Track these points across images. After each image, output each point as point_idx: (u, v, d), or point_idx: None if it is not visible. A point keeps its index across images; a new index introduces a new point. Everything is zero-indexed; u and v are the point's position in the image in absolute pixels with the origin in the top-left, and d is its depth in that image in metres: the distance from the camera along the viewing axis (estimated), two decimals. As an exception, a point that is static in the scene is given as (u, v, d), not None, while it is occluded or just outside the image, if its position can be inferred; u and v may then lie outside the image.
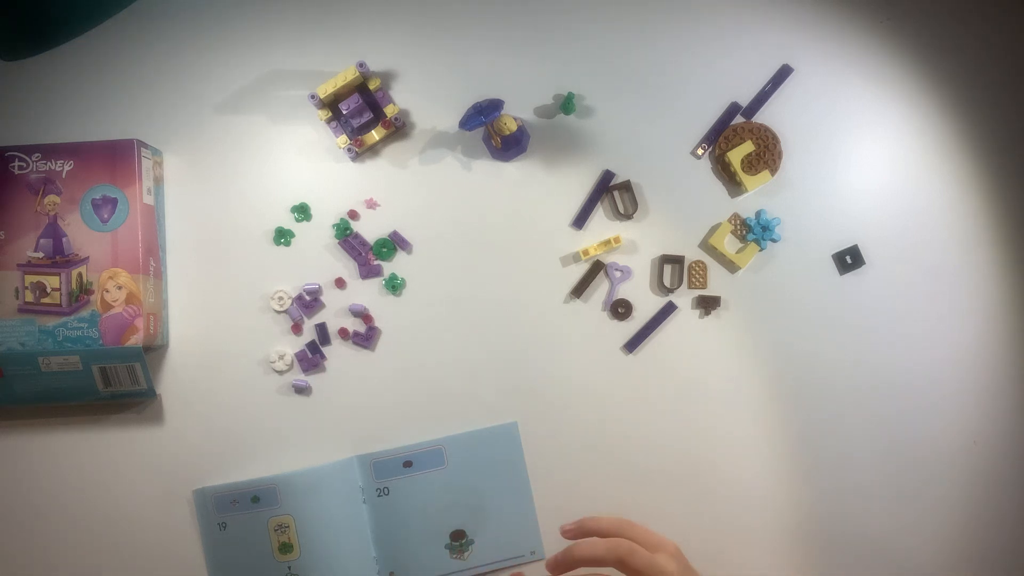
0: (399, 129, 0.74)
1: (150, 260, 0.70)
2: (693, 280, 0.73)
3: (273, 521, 0.71)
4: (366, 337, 0.73)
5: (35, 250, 0.69)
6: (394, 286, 0.73)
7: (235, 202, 0.74)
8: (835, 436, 0.72)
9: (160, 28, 0.75)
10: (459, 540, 0.72)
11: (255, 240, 0.74)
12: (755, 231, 0.73)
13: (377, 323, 0.73)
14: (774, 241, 0.73)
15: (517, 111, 0.74)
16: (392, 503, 0.72)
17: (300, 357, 0.73)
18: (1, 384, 0.68)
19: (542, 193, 0.74)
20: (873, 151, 0.74)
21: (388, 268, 0.74)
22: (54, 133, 0.74)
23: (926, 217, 0.73)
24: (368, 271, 0.73)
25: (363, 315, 0.73)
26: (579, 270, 0.73)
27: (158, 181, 0.73)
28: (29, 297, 0.69)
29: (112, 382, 0.69)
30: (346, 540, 0.71)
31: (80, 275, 0.69)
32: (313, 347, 0.73)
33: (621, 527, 0.65)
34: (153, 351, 0.72)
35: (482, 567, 0.72)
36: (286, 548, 0.71)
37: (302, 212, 0.74)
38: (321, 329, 0.73)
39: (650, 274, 0.74)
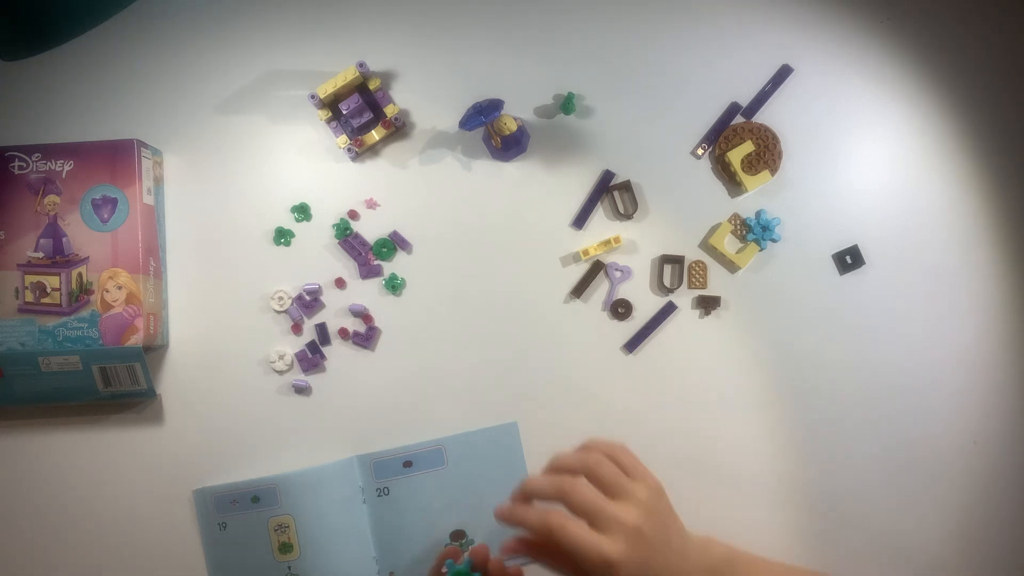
0: (399, 129, 0.74)
1: (150, 260, 0.70)
2: (693, 280, 0.73)
3: (273, 521, 0.71)
4: (366, 337, 0.73)
5: (35, 250, 0.69)
6: (394, 286, 0.73)
7: (235, 202, 0.74)
8: (835, 436, 0.72)
9: (160, 28, 0.75)
10: (459, 540, 0.72)
11: (255, 240, 0.74)
12: (755, 231, 0.73)
13: (377, 323, 0.73)
14: (774, 241, 0.73)
15: (517, 111, 0.74)
16: (392, 503, 0.72)
17: (300, 357, 0.73)
18: (1, 384, 0.68)
19: (542, 193, 0.74)
20: (873, 151, 0.74)
21: (388, 268, 0.74)
22: (54, 133, 0.74)
23: (926, 217, 0.73)
24: (368, 271, 0.73)
25: (363, 315, 0.73)
26: (579, 270, 0.73)
27: (158, 181, 0.73)
28: (29, 297, 0.69)
29: (112, 382, 0.69)
30: (346, 540, 0.71)
31: (80, 275, 0.69)
32: (313, 347, 0.73)
33: (612, 449, 0.60)
34: (153, 351, 0.72)
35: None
36: (286, 548, 0.71)
37: (302, 212, 0.74)
38: (321, 329, 0.73)
39: (650, 274, 0.74)
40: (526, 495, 0.57)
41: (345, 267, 0.74)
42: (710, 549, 0.59)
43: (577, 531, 0.54)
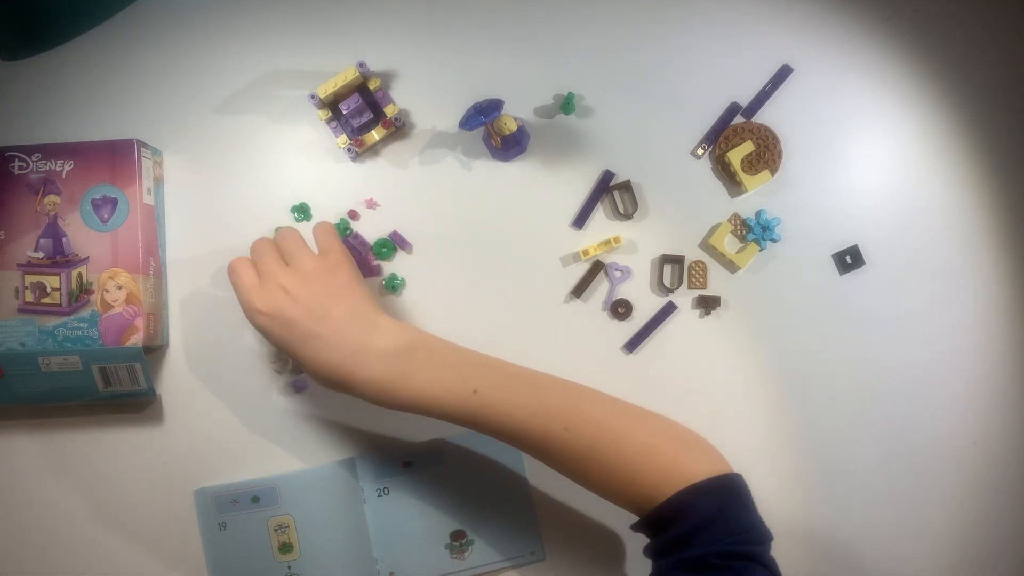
0: (399, 129, 0.74)
1: (150, 260, 0.70)
2: (693, 280, 0.73)
3: (273, 521, 0.71)
4: (366, 337, 0.73)
5: (35, 250, 0.69)
6: (394, 286, 0.73)
7: (235, 202, 0.74)
8: (835, 435, 0.72)
9: (160, 28, 0.75)
10: (459, 540, 0.72)
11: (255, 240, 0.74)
12: (755, 231, 0.73)
13: (377, 323, 0.73)
14: (774, 241, 0.73)
15: (517, 111, 0.74)
16: (392, 503, 0.72)
17: (300, 357, 0.73)
18: (1, 384, 0.68)
19: (542, 193, 0.74)
20: (873, 151, 0.74)
21: (388, 268, 0.74)
22: (54, 133, 0.74)
23: (926, 217, 0.73)
24: (368, 271, 0.73)
25: (363, 315, 0.73)
26: (579, 270, 0.73)
27: (158, 181, 0.73)
28: (29, 297, 0.69)
29: (112, 382, 0.69)
30: (346, 540, 0.71)
31: (80, 275, 0.69)
32: (313, 347, 0.73)
33: (316, 227, 0.67)
34: (153, 351, 0.72)
35: (482, 567, 0.72)
36: (286, 548, 0.71)
37: (302, 212, 0.74)
38: (321, 329, 0.73)
39: (650, 274, 0.74)
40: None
41: (345, 267, 0.74)
42: (396, 332, 0.62)
43: (239, 276, 0.62)
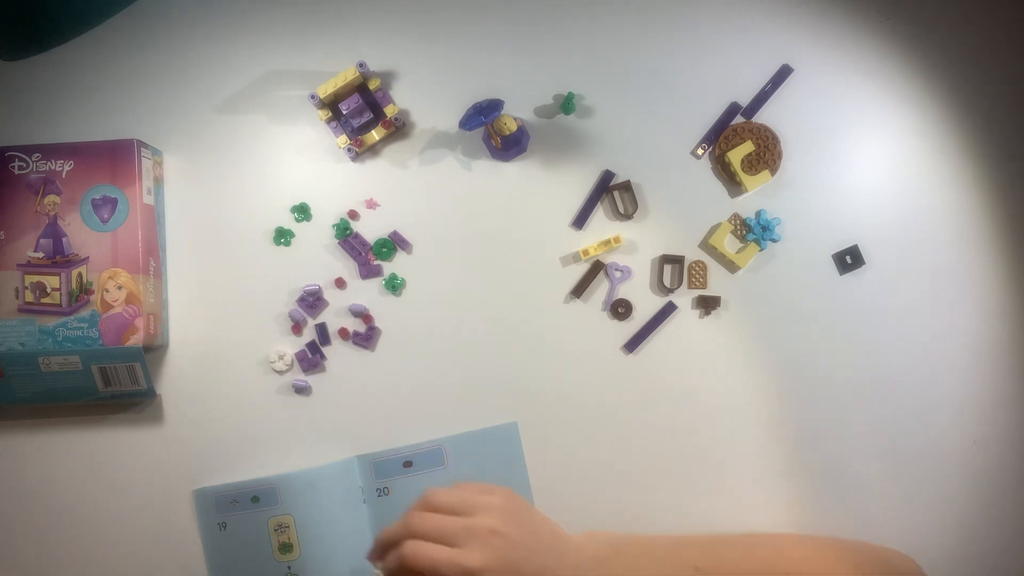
0: (399, 129, 0.74)
1: (150, 260, 0.70)
2: (693, 280, 0.73)
3: (273, 521, 0.71)
4: (366, 337, 0.73)
5: (35, 250, 0.69)
6: (394, 286, 0.73)
7: (235, 202, 0.74)
8: (835, 436, 0.72)
9: (160, 28, 0.75)
10: (459, 540, 0.72)
11: (255, 240, 0.74)
12: (755, 231, 0.73)
13: (377, 323, 0.73)
14: (774, 241, 0.73)
15: (517, 111, 0.74)
16: (392, 503, 0.71)
17: (300, 357, 0.73)
18: (1, 384, 0.68)
19: (542, 193, 0.74)
20: (873, 151, 0.74)
21: (388, 268, 0.74)
22: (54, 133, 0.74)
23: (926, 217, 0.73)
24: (368, 271, 0.73)
25: (363, 315, 0.73)
26: (579, 270, 0.73)
27: (158, 181, 0.73)
28: (29, 297, 0.69)
29: (112, 382, 0.69)
30: (346, 540, 0.71)
31: (80, 275, 0.69)
32: (313, 347, 0.73)
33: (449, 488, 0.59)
34: (153, 351, 0.72)
35: (482, 567, 0.72)
36: (286, 548, 0.71)
37: (302, 212, 0.74)
38: (321, 329, 0.73)
39: (650, 274, 0.74)
40: (381, 547, 0.57)
41: (345, 267, 0.74)
42: (594, 539, 0.60)
43: (433, 551, 0.53)
